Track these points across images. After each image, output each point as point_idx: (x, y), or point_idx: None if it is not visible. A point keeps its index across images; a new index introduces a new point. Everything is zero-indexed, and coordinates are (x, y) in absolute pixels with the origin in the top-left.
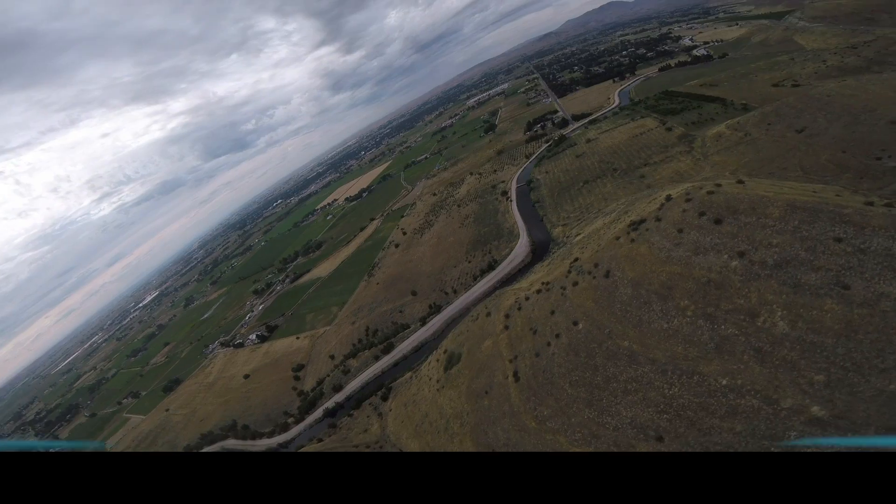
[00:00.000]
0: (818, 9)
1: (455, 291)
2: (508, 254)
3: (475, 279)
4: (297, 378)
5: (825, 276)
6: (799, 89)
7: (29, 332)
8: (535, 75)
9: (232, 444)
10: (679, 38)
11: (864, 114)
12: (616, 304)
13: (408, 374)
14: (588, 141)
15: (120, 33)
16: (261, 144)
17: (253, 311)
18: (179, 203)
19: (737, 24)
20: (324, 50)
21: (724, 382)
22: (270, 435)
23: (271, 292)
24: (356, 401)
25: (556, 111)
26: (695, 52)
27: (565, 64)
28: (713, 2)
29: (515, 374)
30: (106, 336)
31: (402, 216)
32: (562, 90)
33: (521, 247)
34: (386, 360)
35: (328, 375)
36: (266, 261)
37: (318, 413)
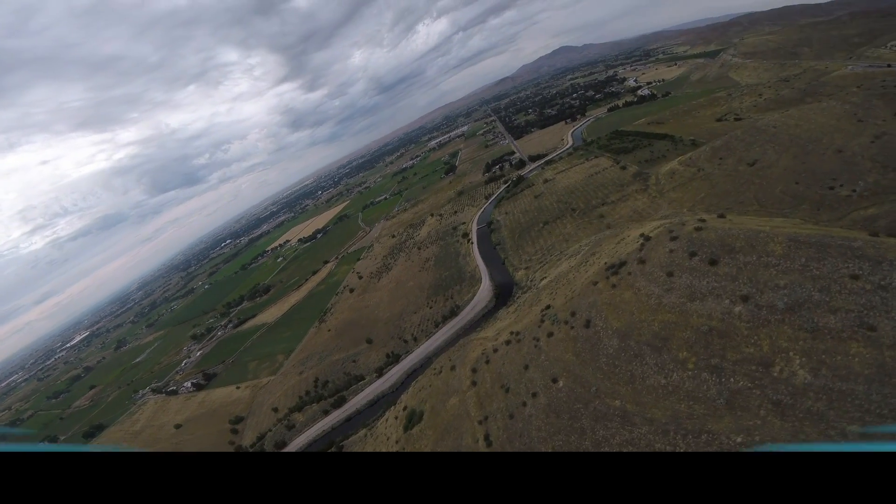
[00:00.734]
0: (748, 45)
1: (415, 339)
2: (471, 298)
3: (437, 326)
4: (234, 431)
5: (846, 317)
6: (745, 122)
7: None
8: (492, 118)
9: None
10: (624, 79)
11: (811, 143)
12: (601, 358)
13: (362, 432)
14: (545, 181)
15: (75, 56)
16: (213, 180)
17: (190, 357)
18: (120, 240)
19: (675, 64)
20: (286, 86)
21: (740, 440)
22: None
23: (212, 338)
24: None
25: (513, 152)
26: (639, 91)
27: (521, 107)
28: (653, 44)
29: (487, 438)
30: (26, 376)
31: (359, 259)
32: (518, 132)
33: (484, 291)
34: (336, 415)
35: (270, 430)
36: (209, 304)
37: None
